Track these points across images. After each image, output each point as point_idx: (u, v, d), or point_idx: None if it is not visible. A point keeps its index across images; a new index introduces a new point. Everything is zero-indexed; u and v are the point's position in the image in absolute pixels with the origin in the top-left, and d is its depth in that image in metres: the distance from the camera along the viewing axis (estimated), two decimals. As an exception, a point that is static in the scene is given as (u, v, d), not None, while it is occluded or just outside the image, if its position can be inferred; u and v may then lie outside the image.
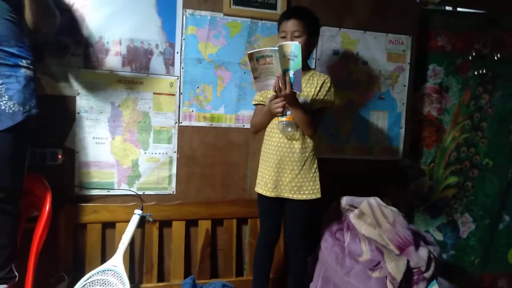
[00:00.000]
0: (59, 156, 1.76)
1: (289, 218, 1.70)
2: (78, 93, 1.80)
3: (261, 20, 2.00)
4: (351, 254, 1.71)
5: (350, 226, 1.79)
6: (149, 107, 1.89)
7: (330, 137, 2.16)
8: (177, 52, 1.90)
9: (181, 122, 1.94)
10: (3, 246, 1.42)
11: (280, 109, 1.55)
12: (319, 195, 1.65)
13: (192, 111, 1.96)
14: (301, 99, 1.61)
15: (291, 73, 1.43)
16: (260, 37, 2.01)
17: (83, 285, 1.60)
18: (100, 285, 1.61)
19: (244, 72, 2.00)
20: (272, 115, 1.64)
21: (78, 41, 1.78)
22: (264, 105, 1.72)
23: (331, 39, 2.12)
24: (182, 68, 1.92)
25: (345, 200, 1.87)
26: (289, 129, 1.58)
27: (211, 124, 1.99)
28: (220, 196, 2.02)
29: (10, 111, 1.35)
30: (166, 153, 1.94)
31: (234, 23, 1.97)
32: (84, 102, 1.81)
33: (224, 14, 1.95)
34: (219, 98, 1.98)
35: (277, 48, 1.38)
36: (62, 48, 1.76)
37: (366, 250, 1.69)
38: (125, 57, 1.84)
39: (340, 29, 2.13)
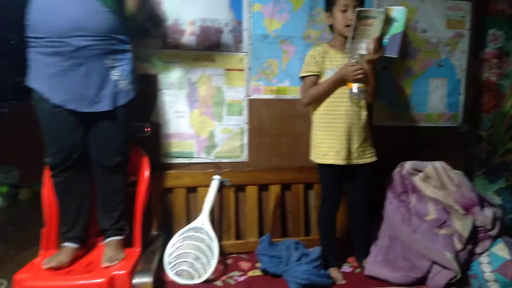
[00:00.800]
0: (146, 129, 1.98)
1: (355, 182, 1.83)
2: (160, 72, 1.99)
3: (322, -7, 2.08)
4: (417, 214, 1.83)
5: (415, 189, 1.90)
6: (222, 82, 2.06)
7: (389, 105, 2.24)
8: (245, 29, 2.04)
9: (251, 96, 2.10)
10: (119, 202, 1.68)
11: (361, 75, 1.63)
12: (376, 158, 1.80)
13: (260, 84, 2.10)
14: None
15: (386, 37, 1.52)
16: (321, 10, 2.09)
17: (178, 240, 1.84)
18: (192, 240, 1.84)
19: (307, 46, 2.10)
20: (341, 83, 1.71)
21: (157, 24, 1.95)
22: (316, 76, 1.78)
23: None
24: (250, 44, 2.05)
25: (409, 164, 1.97)
26: (361, 95, 1.67)
27: (277, 97, 2.13)
28: (287, 163, 2.18)
29: (125, 89, 1.58)
30: (238, 125, 2.11)
31: (297, -2, 2.06)
32: (165, 79, 2.00)
33: (287, -10, 2.05)
34: (284, 71, 2.11)
35: (383, 10, 1.47)
36: (143, 31, 1.94)
37: (432, 210, 1.80)
38: (198, 37, 2.00)
39: (399, -3, 2.17)
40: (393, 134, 2.21)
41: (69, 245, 1.63)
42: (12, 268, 2.57)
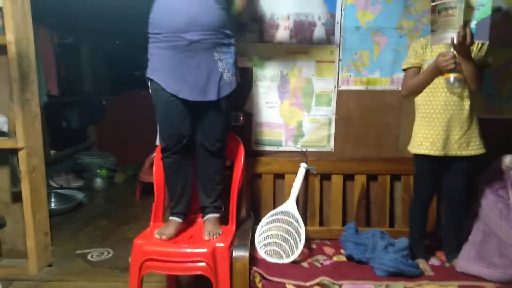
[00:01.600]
0: (241, 118, 2.13)
1: (452, 175, 1.79)
2: (254, 65, 2.13)
3: (418, -17, 2.05)
4: (517, 210, 1.74)
5: (515, 184, 1.81)
6: (312, 74, 2.14)
7: (488, 97, 2.13)
8: (337, 22, 2.09)
9: (340, 87, 2.15)
10: (218, 183, 1.85)
11: (452, 65, 1.62)
12: (484, 150, 1.73)
13: (350, 76, 2.14)
14: None
15: (473, 23, 1.49)
16: (416, 0, 2.06)
17: (267, 222, 1.96)
18: (280, 222, 1.95)
19: (400, 36, 2.09)
20: (437, 73, 1.71)
21: (255, 20, 2.08)
22: (418, 68, 1.80)
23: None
24: (342, 36, 2.10)
25: (508, 159, 1.88)
26: (457, 85, 1.65)
27: (367, 88, 2.15)
28: (374, 154, 2.19)
29: (228, 81, 1.72)
30: (326, 115, 2.17)
31: (391, -11, 2.06)
32: (259, 72, 2.13)
33: (382, -18, 2.05)
34: (375, 62, 2.12)
35: None
36: (242, 26, 2.08)
37: (535, 206, 1.71)
38: (292, 31, 2.10)
39: (502, -16, 2.05)
40: (492, 127, 2.09)
41: (175, 219, 1.83)
42: (115, 240, 2.95)
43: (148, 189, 4.15)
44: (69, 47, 4.83)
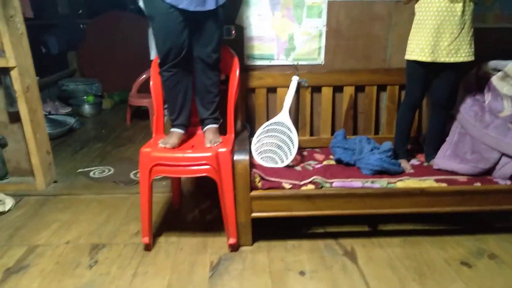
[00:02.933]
0: (233, 32, 2.14)
1: (441, 81, 1.89)
2: (245, -26, 2.08)
3: None
4: (491, 111, 1.91)
5: (491, 88, 1.95)
6: (303, -16, 2.12)
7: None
8: None
9: (330, -3, 2.15)
10: (215, 95, 1.93)
11: None
12: (473, 58, 1.81)
13: (341, -15, 2.13)
14: None
15: None
16: None
17: (262, 132, 2.09)
18: (274, 132, 2.08)
19: None
20: None
21: None
22: None
23: None
24: None
25: (489, 64, 1.99)
26: None
27: (357, -2, 2.16)
28: (362, 65, 2.28)
29: None
30: (317, 27, 2.20)
31: None
32: (250, -18, 2.10)
33: None
34: (366, -29, 2.11)
35: None
36: None
37: (507, 107, 1.88)
38: None
39: None
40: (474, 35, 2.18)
41: (177, 131, 1.93)
42: (112, 160, 3.08)
43: (137, 113, 4.21)
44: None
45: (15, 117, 2.28)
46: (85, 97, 4.38)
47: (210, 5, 1.69)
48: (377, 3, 2.17)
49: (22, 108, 2.21)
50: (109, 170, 2.82)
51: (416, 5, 1.87)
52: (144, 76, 3.99)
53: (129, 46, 4.72)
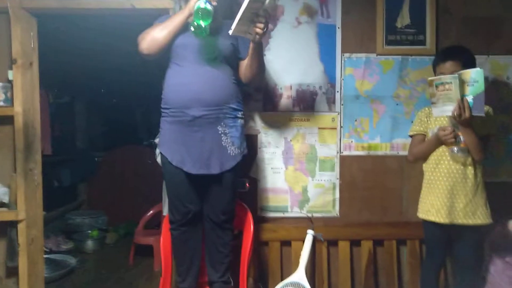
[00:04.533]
0: (247, 185, 2.14)
1: (463, 243, 1.80)
2: (259, 132, 2.18)
3: (411, 56, 2.18)
4: (527, 277, 1.75)
5: (522, 249, 1.83)
6: (315, 140, 2.19)
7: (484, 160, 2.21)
8: (337, 91, 2.19)
9: (342, 152, 2.20)
10: (226, 255, 1.81)
11: (452, 140, 1.69)
12: (490, 220, 1.76)
13: (352, 141, 2.20)
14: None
15: (469, 98, 1.59)
16: (410, 71, 2.19)
17: (278, 293, 1.91)
18: (291, 294, 1.90)
19: (397, 104, 2.19)
20: (439, 144, 1.79)
21: (259, 89, 2.17)
22: (423, 135, 1.89)
23: (479, 67, 2.20)
24: (342, 104, 2.19)
25: (512, 223, 1.92)
26: (461, 155, 1.71)
27: (369, 153, 2.21)
28: (378, 218, 2.21)
29: (233, 154, 1.74)
30: (330, 180, 2.20)
31: (387, 61, 2.19)
32: (264, 138, 2.18)
33: (377, 54, 2.18)
34: (375, 129, 2.20)
35: (457, 76, 1.56)
36: (247, 96, 2.16)
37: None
38: (294, 99, 2.18)
39: (488, 57, 2.21)
40: (488, 190, 2.15)
41: (184, 295, 1.77)
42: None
43: (141, 251, 4.01)
44: (64, 106, 4.87)
45: (12, 272, 2.14)
46: (89, 232, 4.25)
47: (215, 169, 1.70)
48: (388, 157, 2.21)
49: (22, 262, 2.09)
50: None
51: (424, 165, 1.88)
52: (152, 211, 3.93)
53: (140, 180, 4.79)
